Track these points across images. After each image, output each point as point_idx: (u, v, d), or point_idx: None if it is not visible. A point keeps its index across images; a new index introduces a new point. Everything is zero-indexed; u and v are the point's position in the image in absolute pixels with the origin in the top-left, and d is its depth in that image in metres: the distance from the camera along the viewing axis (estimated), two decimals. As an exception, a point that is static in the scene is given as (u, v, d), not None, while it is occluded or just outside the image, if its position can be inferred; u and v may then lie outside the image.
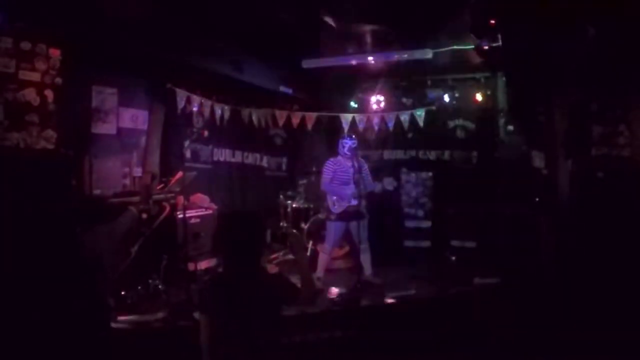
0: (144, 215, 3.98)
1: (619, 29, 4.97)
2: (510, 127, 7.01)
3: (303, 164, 8.10)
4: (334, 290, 5.30)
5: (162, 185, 5.15)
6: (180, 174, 4.90)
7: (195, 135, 5.59)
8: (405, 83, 7.51)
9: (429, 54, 6.13)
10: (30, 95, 4.20)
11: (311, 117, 7.22)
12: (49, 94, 4.33)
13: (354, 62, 6.52)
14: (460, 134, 7.51)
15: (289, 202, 7.21)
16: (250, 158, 7.87)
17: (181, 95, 5.92)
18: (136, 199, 4.06)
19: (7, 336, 2.68)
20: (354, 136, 5.77)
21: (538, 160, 6.45)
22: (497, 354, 4.13)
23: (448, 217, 7.07)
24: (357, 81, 7.64)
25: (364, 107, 7.60)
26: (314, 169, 7.01)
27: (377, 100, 7.45)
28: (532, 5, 4.84)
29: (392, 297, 5.10)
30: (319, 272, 5.59)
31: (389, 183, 5.63)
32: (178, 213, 5.09)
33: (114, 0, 4.41)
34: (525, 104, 6.62)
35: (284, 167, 8.49)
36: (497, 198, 6.81)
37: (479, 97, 7.16)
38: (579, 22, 4.99)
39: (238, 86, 6.50)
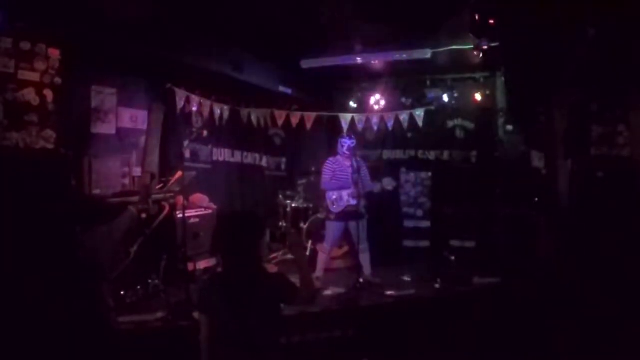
0: (144, 215, 3.95)
1: (619, 29, 4.97)
2: (510, 127, 7.00)
3: (302, 164, 8.10)
4: (334, 290, 5.30)
5: (161, 185, 5.14)
6: (179, 173, 4.89)
7: (194, 135, 5.58)
8: (405, 83, 7.51)
9: (428, 53, 6.14)
10: (29, 95, 4.20)
11: (310, 117, 7.23)
12: (49, 94, 4.33)
13: (353, 62, 6.52)
14: (459, 133, 7.50)
15: (288, 202, 7.21)
16: (250, 158, 7.86)
17: (180, 95, 5.93)
18: (135, 199, 4.03)
19: (7, 336, 2.68)
20: (352, 136, 5.77)
21: (537, 160, 6.45)
22: (496, 353, 4.13)
23: (447, 217, 7.08)
24: (357, 81, 7.64)
25: (363, 107, 7.60)
26: (313, 169, 7.02)
27: (376, 100, 7.44)
28: (531, 5, 4.84)
29: (392, 297, 5.09)
30: (319, 271, 5.59)
31: (388, 183, 5.61)
32: (177, 213, 5.08)
33: (114, 1, 4.40)
34: (525, 104, 6.62)
35: (283, 167, 8.48)
36: (496, 198, 6.82)
37: (478, 97, 7.14)
38: (578, 22, 4.99)
39: (237, 86, 6.51)
